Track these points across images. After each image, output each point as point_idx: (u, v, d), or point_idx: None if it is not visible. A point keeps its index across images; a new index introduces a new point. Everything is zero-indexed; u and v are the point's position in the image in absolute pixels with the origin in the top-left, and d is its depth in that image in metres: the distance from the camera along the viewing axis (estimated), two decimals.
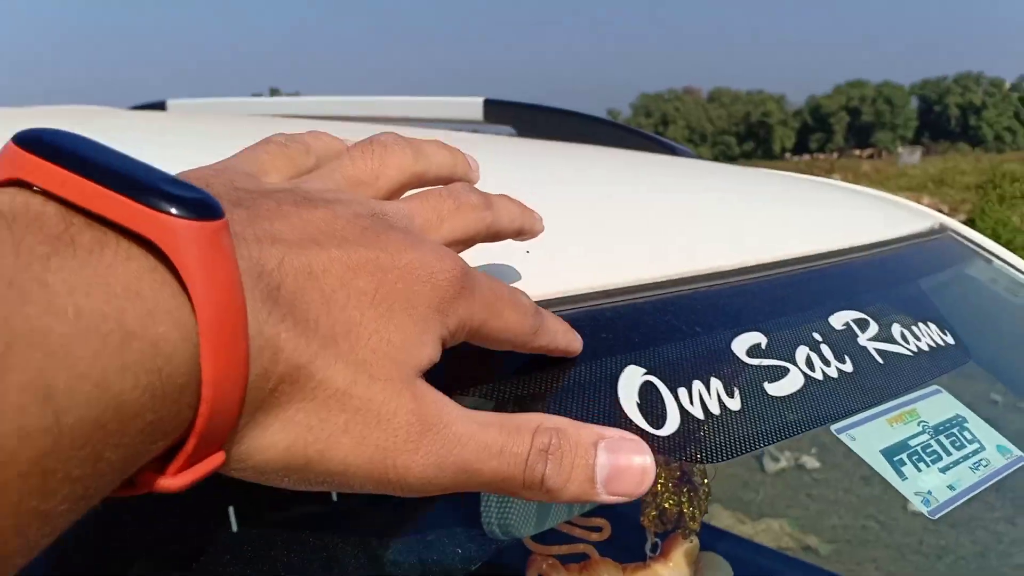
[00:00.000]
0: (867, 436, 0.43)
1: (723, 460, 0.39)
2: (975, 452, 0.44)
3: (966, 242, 0.88)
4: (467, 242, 0.33)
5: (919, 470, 0.42)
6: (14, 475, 0.17)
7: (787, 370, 0.45)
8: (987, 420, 0.48)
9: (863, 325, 0.51)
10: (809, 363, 0.46)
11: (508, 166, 0.77)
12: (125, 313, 0.19)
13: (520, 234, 0.36)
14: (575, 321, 0.42)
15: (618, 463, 0.28)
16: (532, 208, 0.37)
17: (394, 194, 0.32)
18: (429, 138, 0.35)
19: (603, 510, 0.67)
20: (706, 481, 0.56)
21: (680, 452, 0.38)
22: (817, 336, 0.48)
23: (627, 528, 0.63)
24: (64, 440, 0.18)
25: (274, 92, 50.31)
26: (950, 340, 0.55)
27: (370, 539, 0.41)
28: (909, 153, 34.25)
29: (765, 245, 0.60)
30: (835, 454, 3.23)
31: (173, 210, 0.20)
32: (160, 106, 1.45)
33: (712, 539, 1.33)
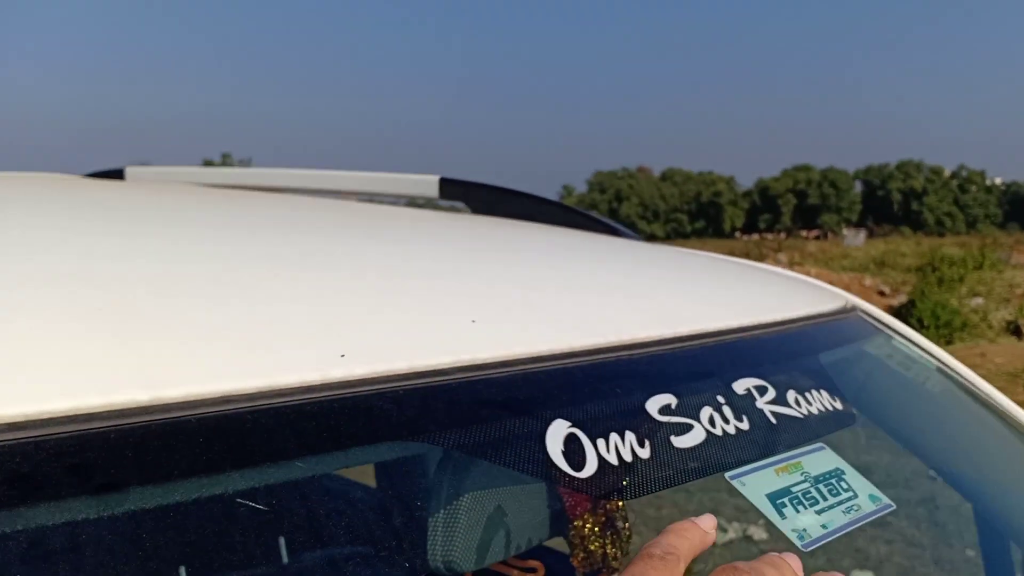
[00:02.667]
0: (755, 482, 0.50)
1: (631, 499, 0.46)
2: (849, 499, 0.52)
3: (874, 321, 0.97)
4: None
5: (797, 511, 0.49)
6: None
7: (692, 426, 0.52)
8: (869, 473, 0.56)
9: (762, 391, 0.59)
10: (711, 421, 0.54)
11: (464, 242, 0.85)
12: None
13: None
14: (511, 381, 0.50)
15: None
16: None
17: None
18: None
19: (537, 551, 0.73)
20: (627, 525, 0.63)
21: (595, 491, 0.45)
22: (720, 399, 0.56)
23: (560, 569, 0.69)
24: None
25: (225, 157, 50.13)
26: (838, 405, 0.63)
27: None
28: (854, 235, 35.26)
29: (684, 320, 0.68)
30: None
31: None
32: (118, 174, 1.50)
33: None
